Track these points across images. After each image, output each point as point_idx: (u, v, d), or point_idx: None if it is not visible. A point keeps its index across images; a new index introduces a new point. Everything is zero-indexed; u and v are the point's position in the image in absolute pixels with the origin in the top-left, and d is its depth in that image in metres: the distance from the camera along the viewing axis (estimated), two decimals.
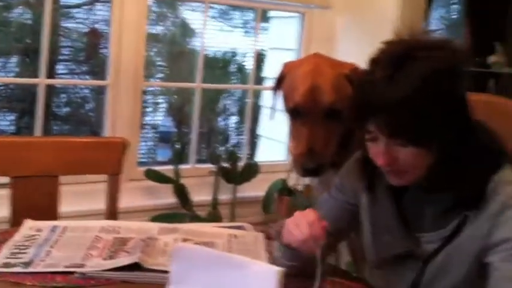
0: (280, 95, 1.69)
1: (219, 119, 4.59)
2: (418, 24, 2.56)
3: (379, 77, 1.10)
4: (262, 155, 3.27)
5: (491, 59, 3.41)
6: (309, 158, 1.55)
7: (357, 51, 2.68)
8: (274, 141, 3.15)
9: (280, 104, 1.72)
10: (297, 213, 1.18)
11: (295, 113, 1.61)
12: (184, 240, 1.52)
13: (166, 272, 1.29)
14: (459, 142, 1.15)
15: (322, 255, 1.15)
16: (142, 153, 4.56)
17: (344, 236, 1.43)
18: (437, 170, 1.15)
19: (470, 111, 1.18)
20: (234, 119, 4.50)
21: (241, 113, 3.89)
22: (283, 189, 2.83)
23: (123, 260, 1.34)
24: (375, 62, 1.14)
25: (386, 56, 1.13)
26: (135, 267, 1.31)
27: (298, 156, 1.58)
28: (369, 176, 1.28)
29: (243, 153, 3.09)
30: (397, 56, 1.11)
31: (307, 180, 1.79)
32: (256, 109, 3.22)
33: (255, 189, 2.88)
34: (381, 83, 1.09)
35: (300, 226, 1.15)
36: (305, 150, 1.56)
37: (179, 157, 2.71)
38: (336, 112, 1.55)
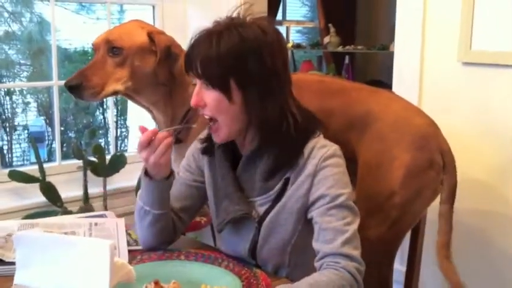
0: None
1: (97, 113, 4.55)
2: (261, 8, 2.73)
3: (201, 36, 1.32)
4: (133, 145, 3.33)
5: (326, 39, 3.69)
6: (75, 77, 1.75)
7: None
8: None
9: None
10: None
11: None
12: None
13: None
14: (266, 105, 1.31)
15: None
16: (17, 156, 4.44)
17: (196, 211, 1.56)
18: (253, 132, 1.34)
19: (282, 84, 1.34)
20: (110, 113, 4.49)
21: (116, 106, 3.90)
22: None
23: None
24: (203, 30, 1.34)
25: (214, 27, 1.33)
26: None
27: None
28: (209, 146, 1.45)
29: (122, 146, 3.13)
30: (220, 27, 1.31)
31: None
32: (124, 102, 3.27)
33: (126, 179, 2.95)
34: (203, 38, 1.31)
35: None
36: (76, 72, 1.77)
37: (42, 155, 2.70)
38: (115, 49, 1.75)
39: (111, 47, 1.76)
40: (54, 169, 2.81)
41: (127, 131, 3.85)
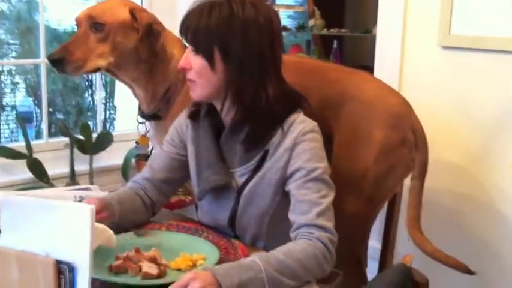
0: None
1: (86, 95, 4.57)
2: None
3: (196, 7, 1.40)
4: (120, 125, 3.37)
5: (311, 22, 3.72)
6: (57, 51, 1.77)
7: None
8: (131, 111, 3.24)
9: None
10: None
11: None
12: None
13: None
14: (244, 77, 1.37)
15: None
16: (5, 136, 4.45)
17: (178, 184, 1.61)
18: (230, 103, 1.40)
19: (266, 64, 1.39)
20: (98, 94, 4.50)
21: (105, 88, 3.92)
22: (140, 155, 2.96)
23: None
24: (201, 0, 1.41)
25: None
26: None
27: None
28: (196, 112, 1.51)
29: (111, 128, 3.16)
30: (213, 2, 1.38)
31: (142, 131, 2.01)
32: (113, 83, 3.29)
33: (112, 157, 2.99)
34: (197, 8, 1.39)
35: None
36: (59, 47, 1.79)
37: (30, 136, 2.73)
38: (98, 24, 1.78)
39: (93, 23, 1.79)
40: (41, 146, 2.84)
41: (115, 112, 3.87)
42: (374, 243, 1.98)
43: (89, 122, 4.00)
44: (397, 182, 1.71)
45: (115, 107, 3.54)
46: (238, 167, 1.43)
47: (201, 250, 1.32)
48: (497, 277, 2.01)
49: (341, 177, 1.63)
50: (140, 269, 1.22)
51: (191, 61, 1.40)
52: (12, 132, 4.50)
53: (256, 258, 1.19)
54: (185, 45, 1.93)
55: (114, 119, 3.97)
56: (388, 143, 1.63)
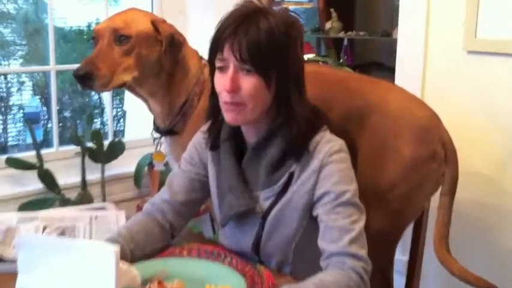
0: None
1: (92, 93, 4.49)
2: None
3: (237, 18, 1.27)
4: (132, 131, 3.30)
5: (328, 25, 3.63)
6: (83, 65, 1.67)
7: (207, 23, 2.77)
8: (142, 116, 3.17)
9: None
10: None
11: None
12: (45, 227, 1.56)
13: None
14: (291, 94, 1.30)
15: None
16: (12, 136, 4.40)
17: (197, 205, 1.53)
18: (270, 120, 1.32)
19: (303, 72, 1.34)
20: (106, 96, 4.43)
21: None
22: (152, 163, 2.89)
23: None
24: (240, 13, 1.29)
25: (248, 10, 1.29)
26: None
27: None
28: (214, 139, 1.42)
29: (118, 126, 3.10)
30: (249, 10, 1.28)
31: (158, 147, 1.94)
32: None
33: (124, 166, 2.93)
34: (247, 22, 1.25)
35: None
36: (84, 61, 1.69)
37: (41, 141, 2.68)
38: (122, 37, 1.70)
39: (118, 35, 1.70)
40: (51, 155, 2.78)
41: (123, 111, 3.80)
42: (400, 256, 1.91)
43: (95, 120, 3.93)
44: (426, 198, 1.63)
45: (124, 112, 3.47)
46: (262, 190, 1.36)
47: (226, 280, 1.25)
48: None
49: (366, 193, 1.54)
50: None
51: (241, 82, 1.26)
52: (19, 131, 4.45)
53: None
54: (201, 58, 1.87)
55: (121, 116, 3.90)
56: (417, 158, 1.56)
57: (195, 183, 1.47)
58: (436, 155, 1.58)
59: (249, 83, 1.26)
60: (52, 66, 2.79)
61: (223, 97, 1.29)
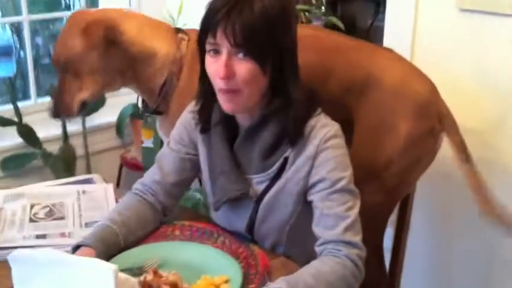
0: None
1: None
2: None
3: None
4: None
5: None
6: (53, 108, 1.74)
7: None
8: None
9: None
10: None
11: None
12: (32, 205, 1.53)
13: (16, 247, 1.32)
14: (288, 78, 1.26)
15: None
16: None
17: (189, 184, 1.51)
18: (266, 101, 1.28)
19: (297, 57, 1.28)
20: None
21: None
22: (134, 113, 2.84)
23: None
24: None
25: None
26: None
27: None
28: (205, 122, 1.37)
29: None
30: None
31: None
32: None
33: (106, 116, 2.86)
34: (232, 3, 1.18)
35: None
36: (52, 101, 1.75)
37: (16, 95, 2.60)
38: (63, 65, 1.68)
39: (61, 65, 1.68)
40: (30, 108, 2.71)
41: None
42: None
43: None
44: (421, 173, 1.63)
45: None
46: (256, 174, 1.34)
47: (223, 269, 1.24)
48: None
49: (361, 167, 1.52)
50: None
51: (235, 67, 1.21)
52: None
53: (285, 286, 1.12)
54: (178, 30, 1.77)
55: None
56: (415, 134, 1.54)
57: (186, 163, 1.44)
58: (433, 131, 1.57)
59: (243, 68, 1.20)
60: (25, 17, 2.66)
61: (218, 83, 1.24)
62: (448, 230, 2.10)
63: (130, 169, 2.84)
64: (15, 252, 0.94)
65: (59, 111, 1.72)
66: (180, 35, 1.73)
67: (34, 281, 0.92)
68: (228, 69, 1.20)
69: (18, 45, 4.02)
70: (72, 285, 0.90)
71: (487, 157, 1.89)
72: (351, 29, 3.33)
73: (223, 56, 1.20)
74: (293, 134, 1.28)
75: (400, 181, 1.59)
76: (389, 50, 1.67)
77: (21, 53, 3.78)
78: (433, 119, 1.56)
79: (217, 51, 1.22)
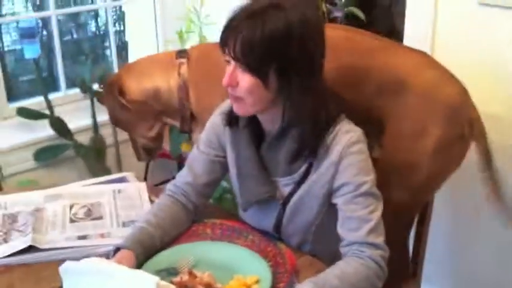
0: None
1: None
2: None
3: (243, 14, 1.29)
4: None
5: None
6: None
7: None
8: (144, 47, 3.15)
9: None
10: None
11: None
12: (72, 206, 1.62)
13: (59, 248, 1.43)
14: (301, 92, 1.31)
15: None
16: (7, 46, 4.30)
17: (218, 182, 1.58)
18: (283, 114, 1.34)
19: (319, 70, 1.34)
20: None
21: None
22: None
23: (18, 244, 1.43)
24: (244, 8, 1.30)
25: (254, 5, 1.29)
26: (30, 247, 1.41)
27: None
28: (233, 119, 1.45)
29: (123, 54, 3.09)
30: (262, 7, 1.28)
31: None
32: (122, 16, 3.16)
33: None
34: (246, 17, 1.27)
35: None
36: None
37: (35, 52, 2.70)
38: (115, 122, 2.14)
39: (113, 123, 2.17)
40: (59, 100, 2.80)
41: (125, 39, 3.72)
42: None
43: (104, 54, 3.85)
44: (448, 176, 1.65)
45: (126, 42, 3.41)
46: (282, 177, 1.41)
47: (253, 269, 1.32)
48: None
49: (391, 169, 1.59)
50: None
51: (238, 78, 1.30)
52: (14, 41, 4.35)
53: (312, 287, 1.20)
54: (175, 54, 1.91)
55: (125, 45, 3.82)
56: (445, 139, 1.56)
57: (216, 164, 1.52)
58: (463, 136, 1.58)
59: (244, 80, 1.29)
60: (53, 12, 2.73)
61: (227, 90, 1.34)
62: (467, 227, 2.16)
63: (158, 156, 2.92)
64: (66, 263, 1.02)
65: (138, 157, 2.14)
66: (179, 60, 1.89)
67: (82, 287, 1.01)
68: (231, 79, 1.30)
69: (41, 26, 4.10)
70: None
71: (505, 140, 1.92)
72: (372, 9, 3.30)
73: (231, 66, 1.30)
74: (310, 146, 1.35)
75: (427, 183, 1.63)
76: (422, 53, 1.68)
77: (44, 32, 3.86)
78: (464, 124, 1.58)
79: (228, 62, 1.31)
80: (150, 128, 1.99)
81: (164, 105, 1.93)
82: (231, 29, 1.27)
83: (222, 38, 1.30)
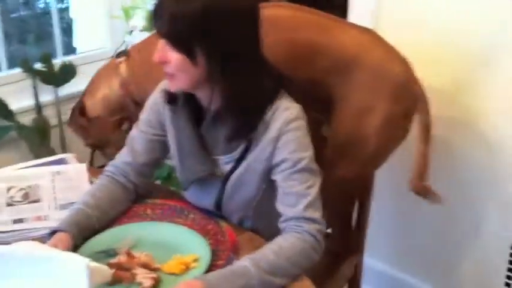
0: None
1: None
2: None
3: None
4: (82, 41, 3.18)
5: None
6: None
7: None
8: (91, 24, 3.07)
9: None
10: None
11: None
12: (9, 188, 1.58)
13: None
14: (232, 72, 1.30)
15: None
16: None
17: (159, 162, 1.57)
18: (216, 94, 1.33)
19: (252, 52, 1.32)
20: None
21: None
22: None
23: None
24: None
25: None
26: None
27: None
28: (173, 97, 1.43)
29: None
30: None
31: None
32: None
33: (79, 82, 2.85)
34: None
35: None
36: None
37: None
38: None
39: None
40: (1, 80, 2.71)
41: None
42: None
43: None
44: (394, 149, 1.70)
45: (71, 20, 3.31)
46: (222, 155, 1.40)
47: (193, 248, 1.32)
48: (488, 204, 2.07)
49: (340, 144, 1.64)
50: (134, 278, 1.23)
51: (168, 55, 1.29)
52: None
53: (248, 263, 1.20)
54: (115, 57, 1.97)
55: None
56: (391, 115, 1.61)
57: (155, 143, 1.50)
58: (408, 112, 1.65)
59: (172, 57, 1.29)
60: None
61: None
62: (408, 202, 2.19)
63: None
64: None
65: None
66: (117, 60, 1.96)
67: (11, 276, 0.98)
68: (161, 55, 1.29)
69: None
70: (49, 279, 0.96)
71: (452, 115, 1.96)
72: None
73: (161, 42, 1.30)
74: (249, 124, 1.34)
75: (374, 157, 1.68)
76: (370, 31, 1.71)
77: None
78: (409, 101, 1.64)
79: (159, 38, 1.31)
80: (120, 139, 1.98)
81: (115, 110, 1.98)
82: (159, 5, 1.27)
83: (153, 14, 1.30)
